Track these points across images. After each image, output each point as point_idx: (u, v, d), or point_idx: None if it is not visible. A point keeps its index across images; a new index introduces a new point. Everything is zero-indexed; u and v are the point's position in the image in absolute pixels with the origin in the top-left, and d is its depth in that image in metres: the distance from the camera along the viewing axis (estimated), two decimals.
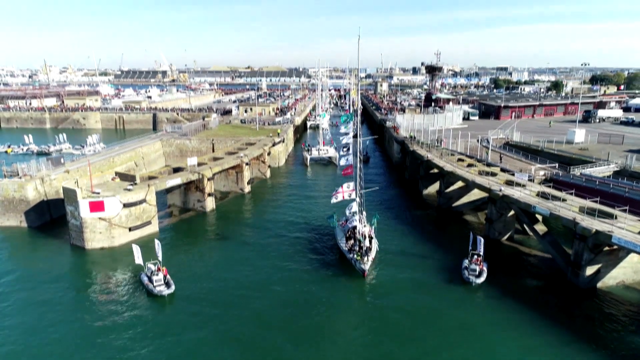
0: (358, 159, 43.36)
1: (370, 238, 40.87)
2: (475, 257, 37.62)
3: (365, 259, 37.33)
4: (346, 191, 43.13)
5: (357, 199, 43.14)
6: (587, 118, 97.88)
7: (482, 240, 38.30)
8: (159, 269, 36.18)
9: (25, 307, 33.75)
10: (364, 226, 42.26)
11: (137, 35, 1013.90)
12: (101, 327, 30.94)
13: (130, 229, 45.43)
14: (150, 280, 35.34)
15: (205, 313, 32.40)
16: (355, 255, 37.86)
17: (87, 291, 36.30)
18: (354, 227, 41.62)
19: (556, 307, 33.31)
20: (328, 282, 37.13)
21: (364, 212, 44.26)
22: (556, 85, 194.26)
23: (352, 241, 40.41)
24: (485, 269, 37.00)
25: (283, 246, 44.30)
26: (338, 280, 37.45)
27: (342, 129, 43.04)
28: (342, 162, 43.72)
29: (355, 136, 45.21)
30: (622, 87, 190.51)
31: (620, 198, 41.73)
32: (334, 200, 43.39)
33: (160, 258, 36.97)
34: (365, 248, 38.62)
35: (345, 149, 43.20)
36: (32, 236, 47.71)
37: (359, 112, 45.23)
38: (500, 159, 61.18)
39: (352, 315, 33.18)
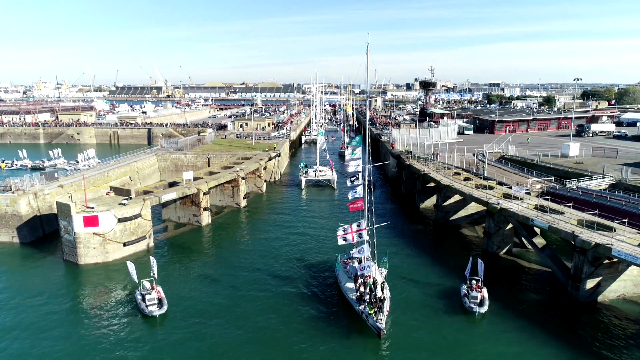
0: (367, 189, 37.68)
1: (382, 285, 34.53)
2: (475, 282, 35.43)
3: (381, 314, 30.43)
4: (355, 231, 36.45)
5: (367, 237, 36.72)
6: (580, 132, 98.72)
7: (483, 264, 35.87)
8: (152, 288, 35.45)
9: (15, 324, 32.85)
10: (371, 266, 34.75)
11: (132, 52, 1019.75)
12: (89, 347, 30.14)
13: (124, 244, 44.72)
14: (144, 299, 34.49)
15: (194, 338, 31.22)
16: (367, 309, 31.02)
17: (78, 309, 35.45)
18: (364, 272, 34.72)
19: (558, 324, 32.82)
20: (334, 337, 30.99)
21: (375, 251, 37.66)
22: (548, 101, 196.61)
23: (361, 288, 33.50)
24: (486, 295, 34.85)
25: (280, 269, 41.90)
26: (346, 339, 30.84)
27: (349, 155, 37.68)
28: (351, 195, 38.28)
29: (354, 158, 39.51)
30: (612, 102, 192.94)
31: (618, 211, 41.73)
32: (341, 242, 36.89)
33: (155, 276, 36.26)
34: (379, 300, 31.70)
35: (354, 178, 38.04)
36: (24, 252, 46.82)
37: (367, 133, 39.80)
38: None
39: None
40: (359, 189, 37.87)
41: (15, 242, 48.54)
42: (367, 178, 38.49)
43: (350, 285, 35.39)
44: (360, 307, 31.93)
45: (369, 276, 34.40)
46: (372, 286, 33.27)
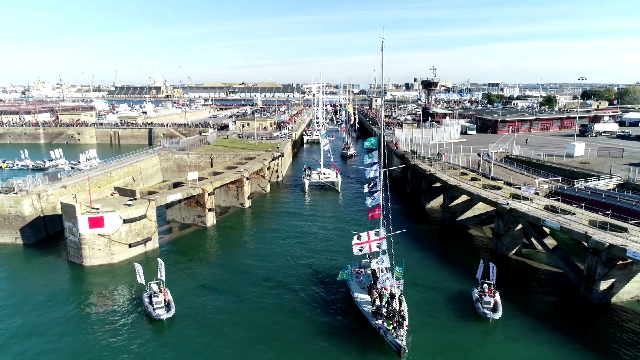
0: (384, 195, 35.24)
1: (400, 297, 31.97)
2: (487, 287, 34.27)
3: (401, 330, 28.22)
4: (373, 240, 33.64)
5: (385, 247, 34.13)
6: (583, 132, 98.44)
7: (495, 268, 34.74)
8: (160, 290, 34.82)
9: (19, 326, 32.32)
10: (390, 278, 31.69)
11: (131, 52, 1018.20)
12: (95, 351, 29.66)
13: (130, 245, 44.22)
14: (151, 302, 33.86)
15: (202, 344, 30.43)
16: (385, 324, 28.81)
17: (84, 311, 34.86)
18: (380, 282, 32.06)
19: (572, 327, 32.35)
20: (348, 354, 29.19)
21: (393, 261, 34.44)
22: (549, 101, 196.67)
23: (377, 301, 31.38)
24: (499, 300, 33.64)
25: (287, 274, 40.91)
26: (362, 356, 28.98)
27: (368, 160, 34.86)
28: (369, 202, 35.20)
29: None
30: (615, 102, 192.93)
31: (628, 211, 41.31)
32: (357, 253, 34.44)
33: (163, 278, 35.64)
34: (398, 314, 29.54)
35: (372, 184, 35.93)
36: (28, 253, 46.27)
37: (383, 136, 36.93)
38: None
39: None
40: (377, 195, 35.18)
41: (18, 244, 47.98)
42: (381, 183, 36.03)
43: (363, 297, 32.93)
44: (378, 322, 29.51)
45: (385, 288, 31.99)
46: (389, 299, 31.12)
